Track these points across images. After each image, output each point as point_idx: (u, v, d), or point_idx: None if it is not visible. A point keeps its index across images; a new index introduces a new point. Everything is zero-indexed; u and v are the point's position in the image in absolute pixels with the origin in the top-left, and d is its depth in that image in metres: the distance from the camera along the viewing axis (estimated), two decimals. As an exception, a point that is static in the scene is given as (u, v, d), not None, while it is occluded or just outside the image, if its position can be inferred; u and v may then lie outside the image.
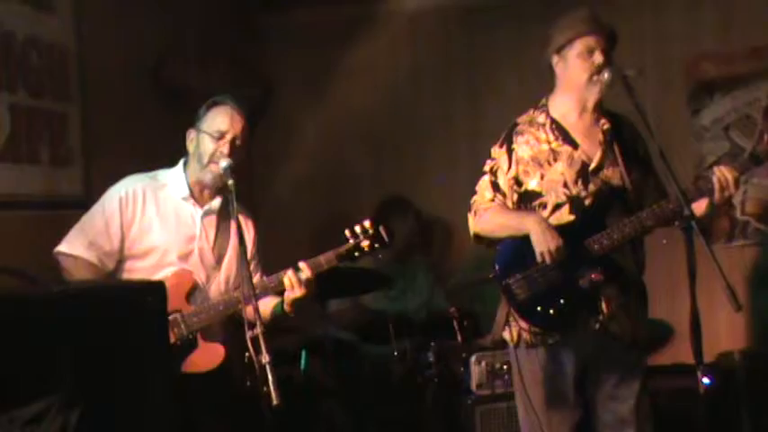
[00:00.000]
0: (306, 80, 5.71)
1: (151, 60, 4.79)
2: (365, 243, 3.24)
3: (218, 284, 3.30)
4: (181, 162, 3.34)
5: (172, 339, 3.10)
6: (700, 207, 3.15)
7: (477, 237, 3.38)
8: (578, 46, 3.23)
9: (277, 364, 2.71)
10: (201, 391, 3.10)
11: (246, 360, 2.97)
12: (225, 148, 3.20)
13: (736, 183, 3.14)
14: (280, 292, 3.22)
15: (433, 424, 4.42)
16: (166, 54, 4.88)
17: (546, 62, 3.34)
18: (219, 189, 3.28)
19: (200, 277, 3.26)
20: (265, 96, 5.73)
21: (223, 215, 3.32)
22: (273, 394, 2.66)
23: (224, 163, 3.14)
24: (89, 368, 1.95)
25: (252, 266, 3.34)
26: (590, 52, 3.22)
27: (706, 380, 3.02)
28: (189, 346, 3.15)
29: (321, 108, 5.67)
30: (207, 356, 3.15)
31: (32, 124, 3.93)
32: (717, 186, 3.12)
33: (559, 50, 3.28)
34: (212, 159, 3.21)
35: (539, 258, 3.15)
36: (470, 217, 3.38)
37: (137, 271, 3.21)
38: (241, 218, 3.34)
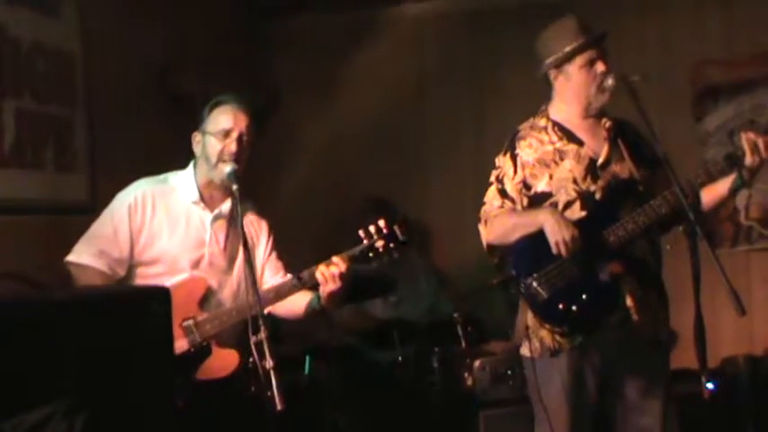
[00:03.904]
0: (310, 86, 5.71)
1: (156, 67, 4.80)
2: (380, 243, 3.15)
3: (231, 288, 3.26)
4: (190, 164, 3.30)
5: (186, 347, 3.09)
6: (724, 185, 3.18)
7: (491, 247, 3.34)
8: (578, 61, 3.24)
9: (281, 370, 2.70)
10: (215, 396, 3.09)
11: (250, 365, 2.94)
12: (232, 146, 3.16)
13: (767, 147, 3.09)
14: (314, 286, 3.16)
15: (437, 430, 4.41)
16: (171, 60, 4.89)
17: (540, 74, 3.34)
18: (228, 189, 3.22)
19: (211, 282, 3.22)
20: (270, 102, 5.75)
21: (233, 219, 3.27)
22: (277, 399, 2.66)
23: (228, 168, 3.13)
24: (94, 373, 1.95)
25: (272, 267, 3.34)
26: (591, 63, 3.23)
27: (710, 385, 3.02)
28: (203, 353, 3.13)
29: (326, 113, 5.68)
30: (221, 363, 3.11)
31: (38, 130, 3.93)
32: (747, 149, 3.09)
33: (558, 66, 3.27)
34: (220, 158, 3.17)
35: (554, 249, 3.10)
36: (481, 228, 3.34)
37: (148, 277, 3.17)
38: (254, 219, 3.35)
